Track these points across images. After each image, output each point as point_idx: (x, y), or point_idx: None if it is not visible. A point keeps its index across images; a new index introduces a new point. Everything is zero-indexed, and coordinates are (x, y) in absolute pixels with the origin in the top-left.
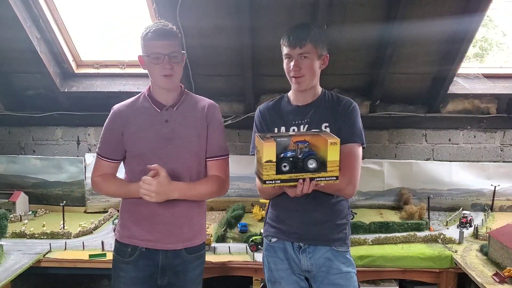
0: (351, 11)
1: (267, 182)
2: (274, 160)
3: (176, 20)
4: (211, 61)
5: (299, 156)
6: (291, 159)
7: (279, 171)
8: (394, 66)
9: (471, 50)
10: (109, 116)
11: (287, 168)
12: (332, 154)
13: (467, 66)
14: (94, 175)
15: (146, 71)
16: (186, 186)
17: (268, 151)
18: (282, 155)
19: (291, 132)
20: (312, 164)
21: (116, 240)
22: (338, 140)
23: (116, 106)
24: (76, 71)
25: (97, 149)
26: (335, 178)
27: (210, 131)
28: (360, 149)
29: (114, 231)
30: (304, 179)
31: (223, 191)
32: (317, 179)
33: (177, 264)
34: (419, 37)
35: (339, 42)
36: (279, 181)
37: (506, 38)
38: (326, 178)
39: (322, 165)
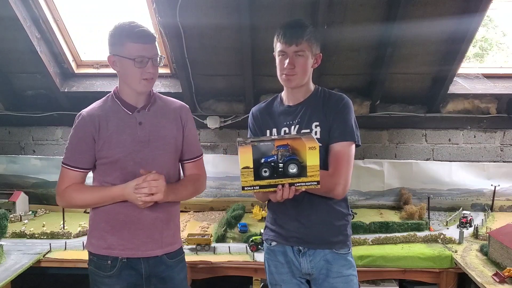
0: (351, 11)
1: (245, 188)
2: (251, 166)
3: (176, 20)
4: (211, 61)
5: (280, 161)
6: (272, 164)
7: (259, 176)
8: (394, 66)
9: (471, 50)
10: (77, 123)
11: (267, 173)
12: (311, 159)
13: (467, 66)
14: (62, 187)
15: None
16: (176, 186)
17: (244, 157)
18: (262, 160)
19: (273, 136)
20: (293, 169)
21: (91, 253)
22: (317, 144)
23: (84, 111)
24: (76, 71)
25: (63, 159)
26: (316, 183)
27: (186, 132)
28: (352, 148)
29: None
30: (283, 185)
31: (203, 189)
32: (297, 184)
33: (161, 271)
34: (419, 37)
35: (339, 42)
36: (257, 187)
37: (506, 38)
38: (307, 183)
39: (303, 169)
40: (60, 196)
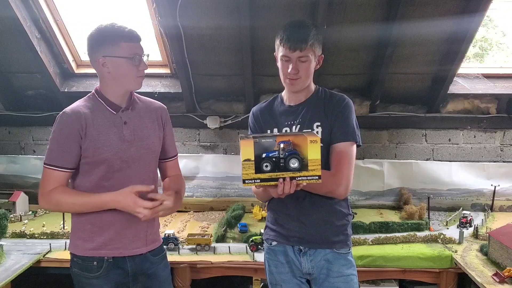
0: (351, 11)
1: (246, 181)
2: (252, 158)
3: (176, 20)
4: (211, 61)
5: (282, 156)
6: (273, 159)
7: (260, 171)
8: (394, 66)
9: (471, 50)
10: (61, 121)
11: (268, 168)
12: (313, 153)
13: (467, 66)
14: (46, 188)
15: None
16: (180, 196)
17: (246, 149)
18: (264, 155)
19: (275, 133)
20: (294, 164)
21: (75, 255)
22: (318, 138)
23: (68, 109)
24: (76, 71)
25: (46, 160)
26: (317, 177)
27: (166, 132)
28: (353, 148)
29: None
30: (284, 179)
31: None
32: (298, 178)
33: (146, 268)
34: (419, 37)
35: (339, 42)
36: (258, 180)
37: (506, 38)
38: (308, 177)
39: (305, 164)
40: (46, 199)
